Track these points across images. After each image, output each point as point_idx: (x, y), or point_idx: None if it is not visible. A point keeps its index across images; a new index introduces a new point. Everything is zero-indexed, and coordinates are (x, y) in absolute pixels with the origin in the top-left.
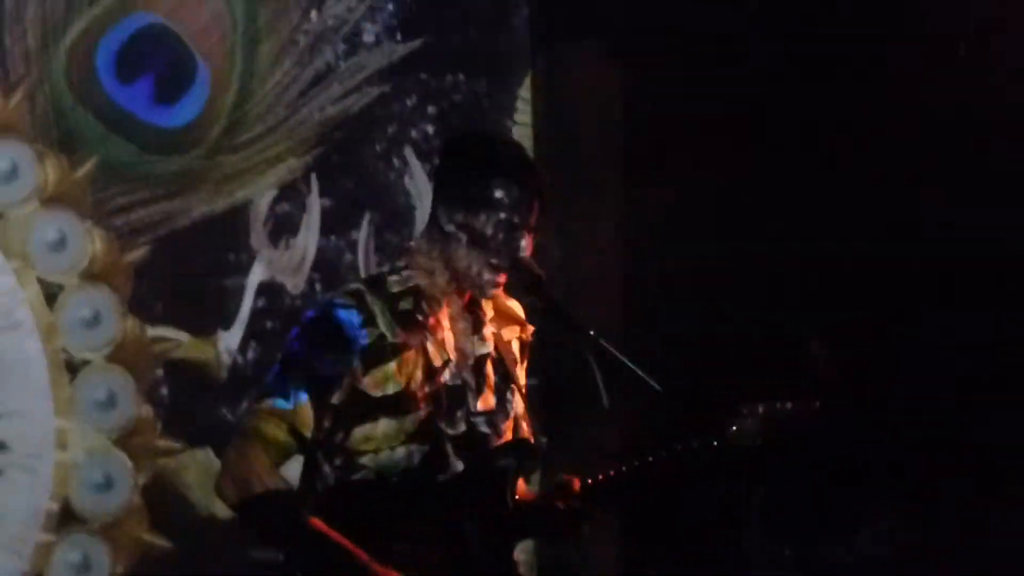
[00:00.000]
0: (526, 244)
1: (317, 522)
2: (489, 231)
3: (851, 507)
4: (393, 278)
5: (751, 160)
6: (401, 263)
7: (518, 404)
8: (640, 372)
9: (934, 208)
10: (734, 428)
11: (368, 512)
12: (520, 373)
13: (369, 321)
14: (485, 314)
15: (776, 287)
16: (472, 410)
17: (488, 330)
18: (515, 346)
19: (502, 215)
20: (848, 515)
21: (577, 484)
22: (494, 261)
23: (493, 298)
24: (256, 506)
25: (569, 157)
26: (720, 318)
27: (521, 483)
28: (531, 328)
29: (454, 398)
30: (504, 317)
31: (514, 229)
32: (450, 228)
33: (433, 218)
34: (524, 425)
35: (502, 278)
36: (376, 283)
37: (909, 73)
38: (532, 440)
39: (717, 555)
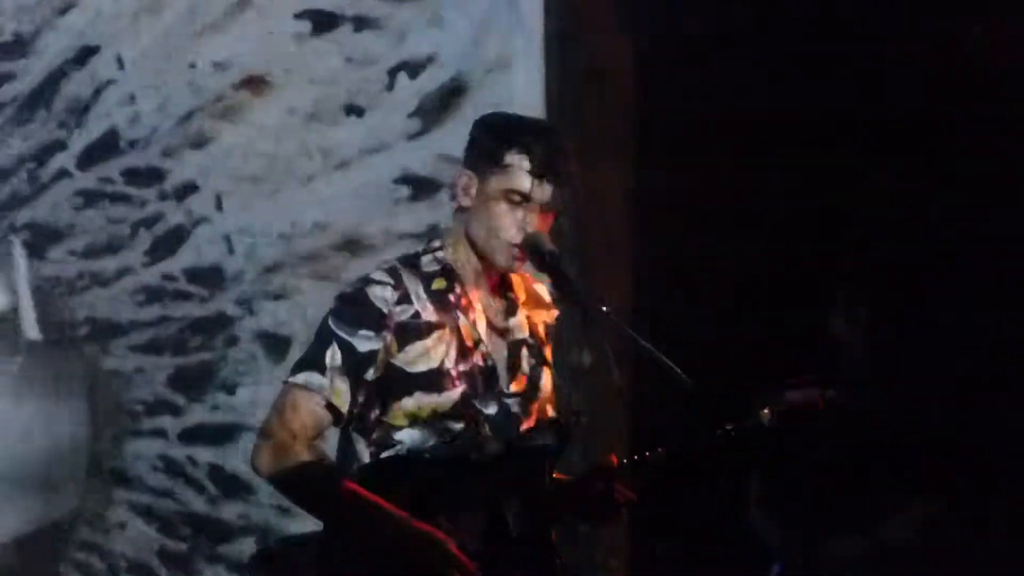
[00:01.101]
0: (535, 219)
1: (353, 485)
2: (504, 204)
3: (868, 496)
4: (426, 258)
5: (768, 139)
6: (436, 243)
7: (547, 385)
8: (654, 351)
9: (956, 196)
10: (766, 412)
11: (404, 488)
12: (548, 353)
13: (404, 298)
14: (519, 298)
15: (789, 266)
16: (505, 391)
17: (523, 314)
18: (542, 330)
19: (516, 189)
20: (864, 504)
21: (615, 463)
22: (505, 236)
23: (523, 281)
24: (293, 475)
25: (577, 131)
26: (732, 296)
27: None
28: (555, 311)
29: (488, 378)
30: (533, 300)
31: (527, 201)
32: (466, 202)
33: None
34: (549, 407)
35: (521, 253)
36: (411, 262)
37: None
38: (560, 419)
39: (726, 538)
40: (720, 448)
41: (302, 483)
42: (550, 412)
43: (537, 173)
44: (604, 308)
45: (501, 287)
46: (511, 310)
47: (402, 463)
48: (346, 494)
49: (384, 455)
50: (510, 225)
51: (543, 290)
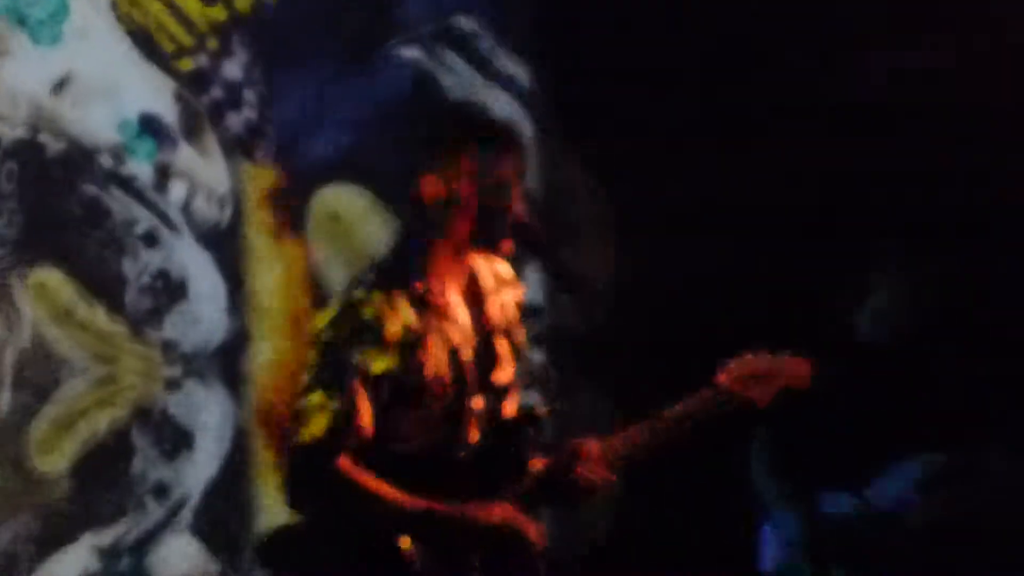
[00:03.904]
0: (511, 201)
1: (346, 464)
2: (479, 194)
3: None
4: (401, 265)
5: (748, 106)
6: (408, 246)
7: (519, 369)
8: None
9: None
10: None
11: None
12: (520, 335)
13: (394, 313)
14: (487, 285)
15: (769, 233)
16: (491, 384)
17: (494, 301)
18: (512, 312)
19: (486, 175)
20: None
21: (593, 448)
22: (495, 222)
23: (487, 264)
24: (291, 461)
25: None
26: (712, 265)
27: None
28: (522, 288)
29: (476, 374)
30: (500, 282)
31: (500, 187)
32: (438, 204)
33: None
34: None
35: (507, 235)
36: (388, 271)
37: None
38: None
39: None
40: (717, 419)
41: (299, 465)
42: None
43: (500, 157)
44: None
45: (471, 278)
46: (484, 300)
47: (391, 464)
48: (340, 476)
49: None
50: (493, 215)
51: (506, 268)
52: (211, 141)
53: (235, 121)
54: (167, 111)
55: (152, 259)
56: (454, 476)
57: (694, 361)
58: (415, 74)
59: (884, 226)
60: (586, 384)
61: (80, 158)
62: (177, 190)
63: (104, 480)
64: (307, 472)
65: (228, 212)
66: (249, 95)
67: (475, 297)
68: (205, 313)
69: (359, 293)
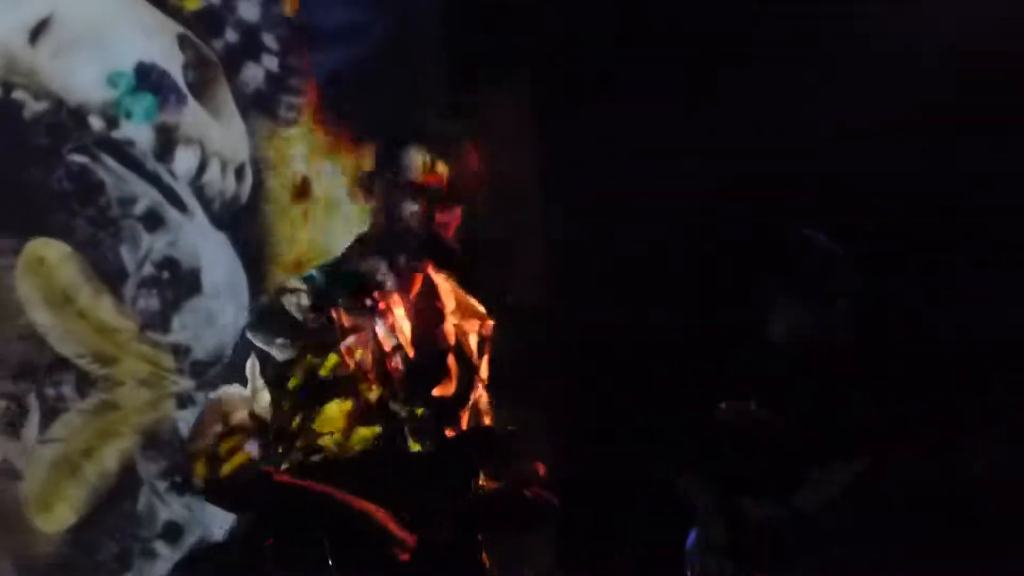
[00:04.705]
0: (436, 212)
1: (284, 477)
2: (399, 205)
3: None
4: (346, 264)
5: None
6: (355, 249)
7: (482, 398)
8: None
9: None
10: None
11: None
12: (483, 366)
13: (317, 305)
14: (446, 307)
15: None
16: (429, 396)
17: (450, 324)
18: (473, 340)
19: (405, 186)
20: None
21: (541, 470)
22: (406, 230)
23: (453, 291)
24: (225, 482)
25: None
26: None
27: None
28: (491, 323)
29: (409, 383)
30: (465, 310)
31: (417, 199)
32: (371, 203)
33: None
34: (487, 419)
35: (421, 249)
36: (330, 268)
37: None
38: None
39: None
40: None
41: (235, 487)
42: (487, 422)
43: (431, 162)
44: (508, 299)
45: (427, 294)
46: (438, 318)
47: (327, 468)
48: (278, 485)
49: (310, 461)
50: (409, 220)
51: (476, 303)
52: (225, 97)
53: (254, 73)
54: (169, 61)
55: (155, 244)
56: (397, 483)
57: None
58: None
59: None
60: (525, 406)
61: (64, 120)
62: (184, 159)
63: (106, 525)
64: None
65: (247, 186)
66: (270, 40)
67: (432, 312)
68: (221, 310)
69: (292, 282)
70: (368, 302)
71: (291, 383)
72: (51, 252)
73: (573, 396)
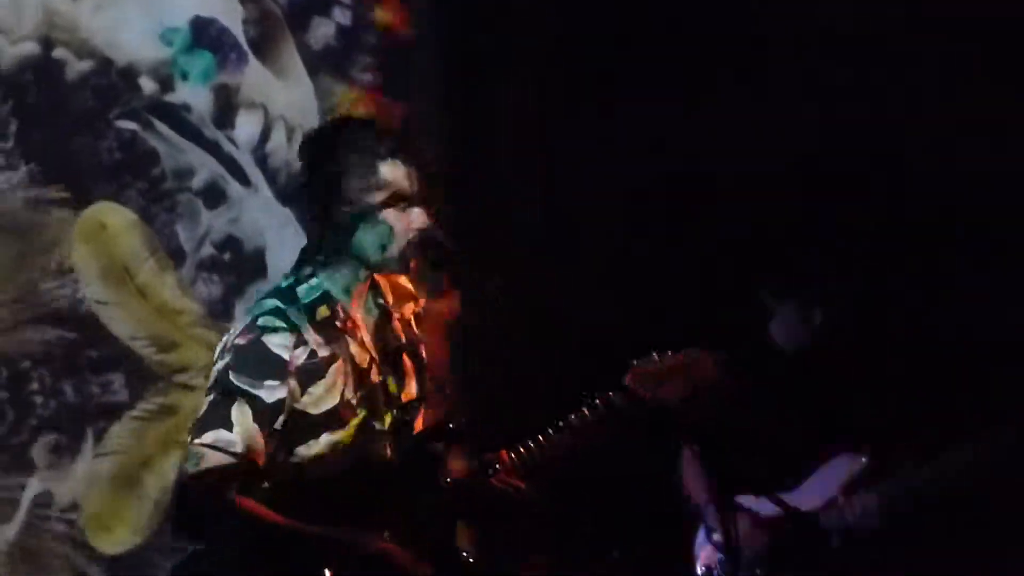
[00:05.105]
0: (420, 217)
1: (245, 501)
2: (391, 211)
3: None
4: (302, 288)
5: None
6: (306, 271)
7: (428, 385)
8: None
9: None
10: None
11: (309, 506)
12: (423, 349)
13: (299, 340)
14: (388, 301)
15: (688, 238)
16: (399, 403)
17: (396, 317)
18: (414, 324)
19: (397, 193)
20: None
21: (503, 458)
22: (399, 241)
23: (386, 280)
24: (187, 499)
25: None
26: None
27: (457, 464)
28: (423, 300)
29: (384, 394)
30: (399, 296)
31: (411, 203)
32: (347, 220)
33: (325, 215)
34: (437, 410)
35: (416, 252)
36: (289, 296)
37: None
38: (450, 422)
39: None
40: (620, 423)
41: (195, 501)
42: (432, 414)
43: (408, 171)
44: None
45: (372, 295)
46: (386, 317)
47: (305, 484)
48: (238, 510)
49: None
50: (401, 229)
51: (405, 280)
52: (291, 56)
53: (324, 29)
54: (229, 15)
55: (216, 222)
56: (372, 494)
57: (604, 366)
58: None
59: (800, 234)
60: (494, 394)
61: (112, 81)
62: (246, 125)
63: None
64: (199, 505)
65: None
66: None
67: (380, 312)
68: None
69: (266, 320)
70: (337, 323)
71: (279, 424)
72: (114, 218)
73: (547, 389)
